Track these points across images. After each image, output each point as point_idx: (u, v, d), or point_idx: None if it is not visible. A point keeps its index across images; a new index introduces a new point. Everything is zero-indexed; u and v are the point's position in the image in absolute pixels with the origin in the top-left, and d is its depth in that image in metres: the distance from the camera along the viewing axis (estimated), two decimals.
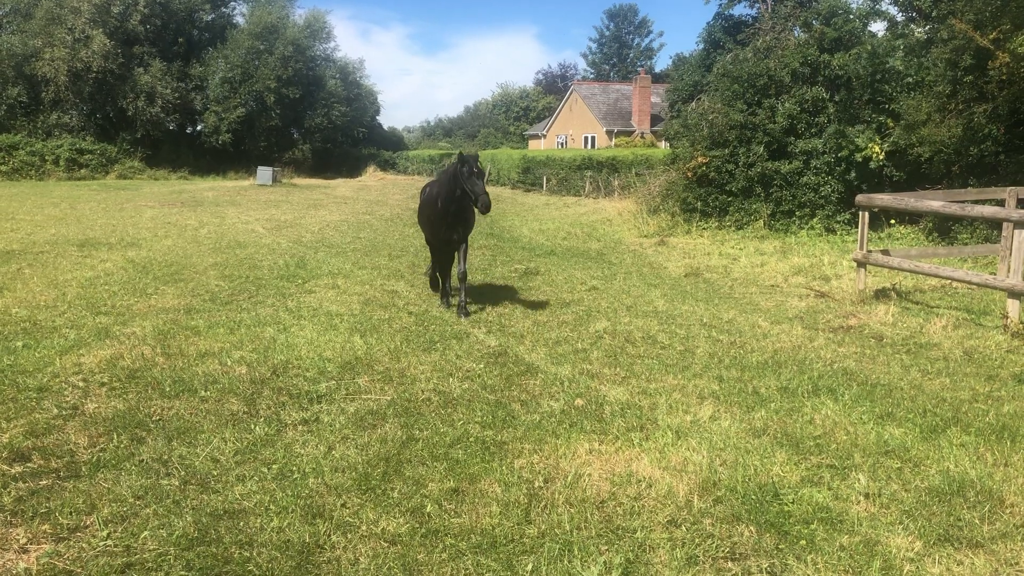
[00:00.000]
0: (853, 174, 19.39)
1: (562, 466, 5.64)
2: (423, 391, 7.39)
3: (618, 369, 8.16)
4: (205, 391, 7.18)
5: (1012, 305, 9.73)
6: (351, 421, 6.57)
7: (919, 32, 18.74)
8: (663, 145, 60.49)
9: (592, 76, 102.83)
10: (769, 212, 20.01)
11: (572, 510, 4.96)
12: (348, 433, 6.31)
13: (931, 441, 6.06)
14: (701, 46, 49.17)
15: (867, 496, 5.15)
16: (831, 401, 7.05)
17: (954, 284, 13.06)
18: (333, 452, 5.91)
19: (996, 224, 14.27)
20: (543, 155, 47.77)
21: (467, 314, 10.55)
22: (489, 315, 10.74)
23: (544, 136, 71.48)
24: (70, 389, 7.09)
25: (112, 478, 5.29)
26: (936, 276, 11.40)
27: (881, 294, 12.48)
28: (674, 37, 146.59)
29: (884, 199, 11.97)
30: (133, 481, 5.25)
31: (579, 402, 7.07)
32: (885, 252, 12.50)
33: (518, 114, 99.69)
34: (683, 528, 4.77)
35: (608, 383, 7.66)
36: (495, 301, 11.70)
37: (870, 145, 18.61)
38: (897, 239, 17.94)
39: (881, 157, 18.64)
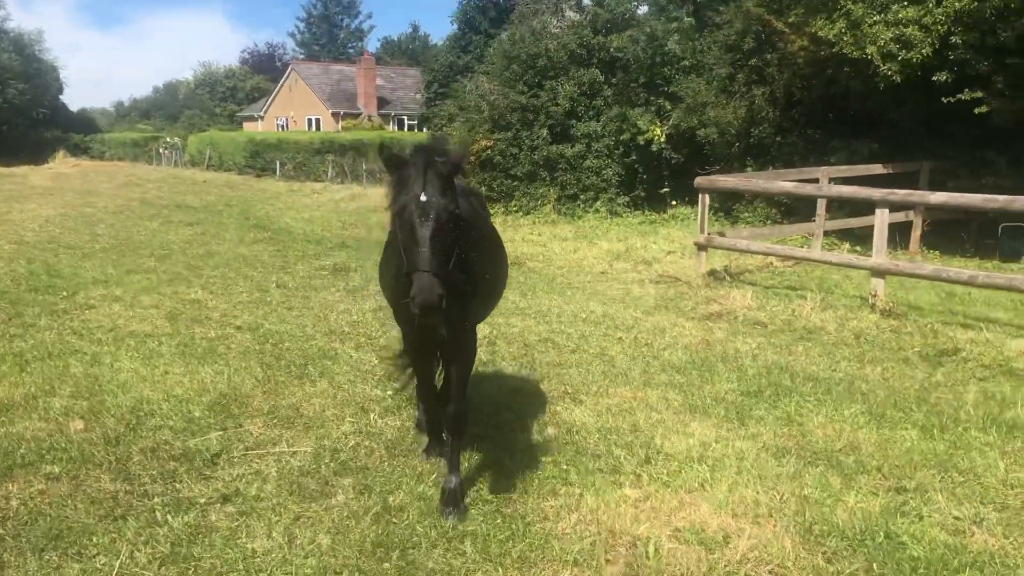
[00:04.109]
0: (634, 156, 19.57)
1: (613, 527, 4.43)
2: (345, 435, 5.79)
3: (553, 383, 7.03)
4: (49, 465, 5.08)
5: (878, 284, 9.84)
6: (286, 490, 4.88)
7: (687, 18, 19.21)
8: (392, 128, 59.38)
9: (302, 56, 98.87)
10: (555, 196, 19.67)
11: None
12: (296, 509, 4.64)
13: (960, 445, 5.59)
14: (455, 27, 48.23)
15: (977, 524, 4.49)
16: (809, 404, 6.43)
17: (772, 263, 13.31)
18: (301, 545, 4.24)
19: (811, 203, 14.84)
20: (274, 138, 44.63)
21: (456, 509, 4.65)
22: (340, 323, 9.10)
23: (262, 118, 67.27)
24: None
25: None
26: (798, 259, 11.42)
27: (715, 275, 12.37)
28: (382, 20, 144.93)
29: (728, 181, 11.84)
30: None
31: (551, 431, 5.87)
32: (721, 234, 12.40)
33: (224, 94, 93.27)
34: None
35: (559, 402, 6.50)
36: (327, 308, 10.01)
37: (651, 128, 18.82)
38: (694, 220, 18.28)
39: (662, 140, 18.92)
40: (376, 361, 7.61)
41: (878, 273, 9.86)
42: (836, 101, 16.17)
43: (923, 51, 12.30)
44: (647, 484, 4.97)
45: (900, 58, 12.55)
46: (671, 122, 18.76)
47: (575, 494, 4.84)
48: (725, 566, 4.04)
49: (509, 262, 14.61)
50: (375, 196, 26.64)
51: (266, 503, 4.72)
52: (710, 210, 18.43)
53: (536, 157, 19.77)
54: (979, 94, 12.47)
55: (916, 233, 13.94)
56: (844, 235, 14.91)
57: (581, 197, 19.80)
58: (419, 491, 4.89)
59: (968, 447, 5.53)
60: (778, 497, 4.78)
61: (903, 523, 4.45)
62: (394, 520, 4.54)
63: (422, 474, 5.13)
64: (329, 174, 36.19)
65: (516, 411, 6.26)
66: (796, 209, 17.05)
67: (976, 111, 12.53)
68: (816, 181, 13.15)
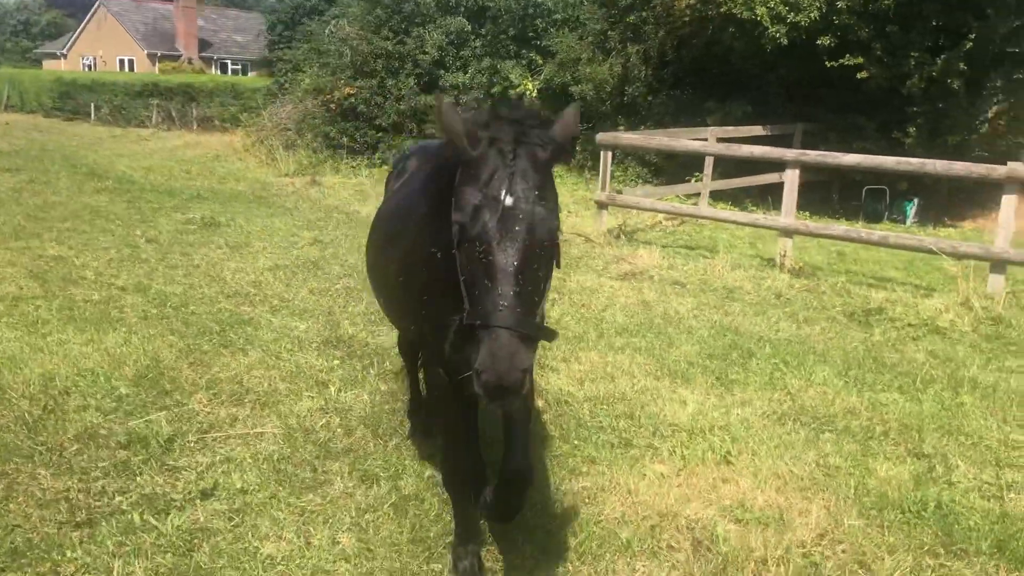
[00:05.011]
0: None
1: (661, 508, 4.05)
2: (310, 412, 5.09)
3: None
4: None
5: (787, 243, 9.95)
6: (273, 480, 4.19)
7: None
8: (215, 72, 55.52)
9: None
10: None
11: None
12: (296, 503, 3.98)
13: (946, 407, 5.59)
14: None
15: (1008, 488, 4.44)
16: (780, 367, 6.30)
17: (661, 222, 13.31)
18: (321, 546, 3.59)
19: (682, 164, 14.92)
20: (88, 78, 40.62)
21: None
22: (240, 283, 8.17)
23: (64, 56, 61.26)
24: None
25: None
26: (707, 218, 11.40)
27: (612, 234, 12.21)
28: None
29: (632, 138, 11.62)
30: None
31: (539, 402, 5.40)
32: (618, 192, 12.23)
33: (16, 28, 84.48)
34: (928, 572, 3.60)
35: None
36: (215, 266, 9.01)
37: (524, 81, 18.42)
38: (572, 176, 18.06)
39: (534, 94, 18.56)
40: (302, 327, 6.83)
41: (787, 233, 9.97)
42: (711, 62, 16.35)
43: (811, 15, 12.54)
44: (669, 458, 4.63)
45: (788, 20, 12.74)
46: (543, 77, 18.41)
47: (602, 472, 4.42)
48: (799, 547, 3.76)
49: None
50: (213, 143, 24.82)
51: (256, 497, 4.00)
52: (583, 169, 18.40)
53: (403, 107, 18.88)
54: (860, 60, 12.89)
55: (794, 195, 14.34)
56: (716, 196, 15.17)
57: None
58: (428, 476, 4.31)
59: (954, 408, 5.55)
60: (808, 468, 4.56)
61: (941, 491, 4.34)
62: (417, 512, 3.95)
63: (422, 456, 4.55)
64: (154, 119, 33.40)
65: None
66: (663, 169, 17.22)
67: (859, 76, 12.95)
68: (704, 140, 13.22)
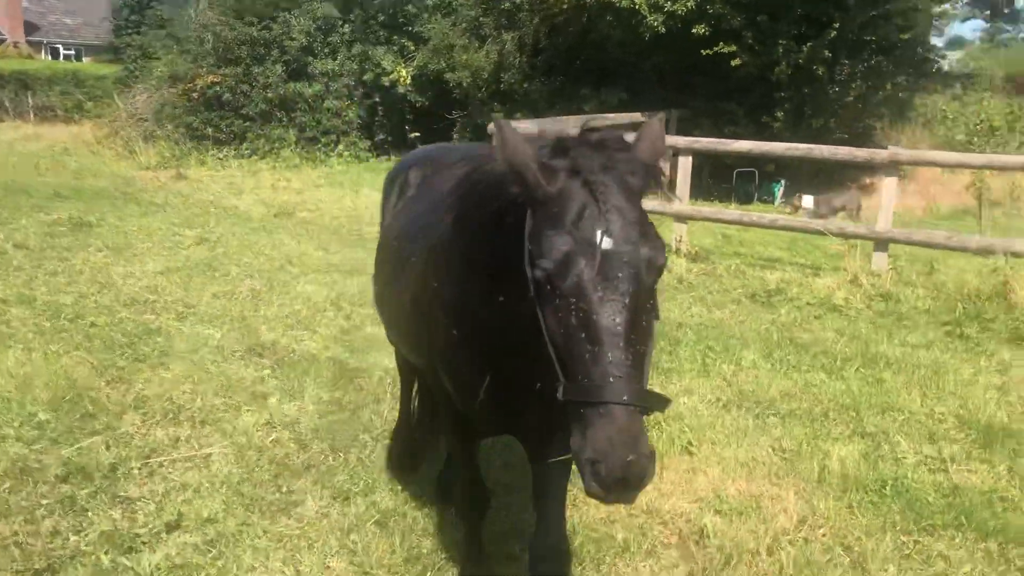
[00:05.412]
0: (377, 98, 18.79)
1: (636, 503, 4.09)
2: (255, 427, 4.84)
3: None
4: None
5: (682, 228, 10.25)
6: (239, 504, 3.96)
7: None
8: (44, 56, 51.63)
9: None
10: (295, 139, 18.35)
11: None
12: (272, 528, 3.78)
13: (869, 382, 5.90)
14: None
15: (951, 460, 4.72)
16: (707, 352, 6.47)
17: None
18: (312, 574, 3.42)
19: None
20: None
21: None
22: (135, 290, 7.66)
23: None
24: None
25: None
26: None
27: None
28: None
29: (526, 128, 11.60)
30: None
31: None
32: None
33: None
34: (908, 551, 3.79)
35: None
36: (100, 272, 8.43)
37: (397, 68, 18.13)
38: None
39: (407, 81, 18.31)
40: (217, 335, 6.47)
41: (682, 219, 10.25)
42: (586, 50, 16.58)
43: (687, 4, 12.92)
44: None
45: (666, 9, 13.08)
46: (416, 63, 18.16)
47: (573, 472, 4.40)
48: (784, 534, 3.87)
49: (275, 213, 13.52)
50: (58, 135, 23.14)
51: (227, 526, 3.75)
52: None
53: (271, 96, 18.20)
54: (733, 48, 13.40)
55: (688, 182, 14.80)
56: None
57: (322, 140, 18.64)
58: (403, 490, 4.17)
59: (877, 385, 5.86)
60: (766, 454, 4.71)
61: (893, 469, 4.58)
62: (403, 528, 3.82)
63: (390, 468, 4.39)
64: None
65: None
66: None
67: (732, 63, 13.46)
68: None
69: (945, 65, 21.61)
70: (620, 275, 1.98)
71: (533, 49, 17.35)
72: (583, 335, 1.97)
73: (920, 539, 3.89)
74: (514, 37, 17.00)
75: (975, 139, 14.45)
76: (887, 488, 4.32)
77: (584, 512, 4.01)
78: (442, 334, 2.74)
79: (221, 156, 18.15)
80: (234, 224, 11.80)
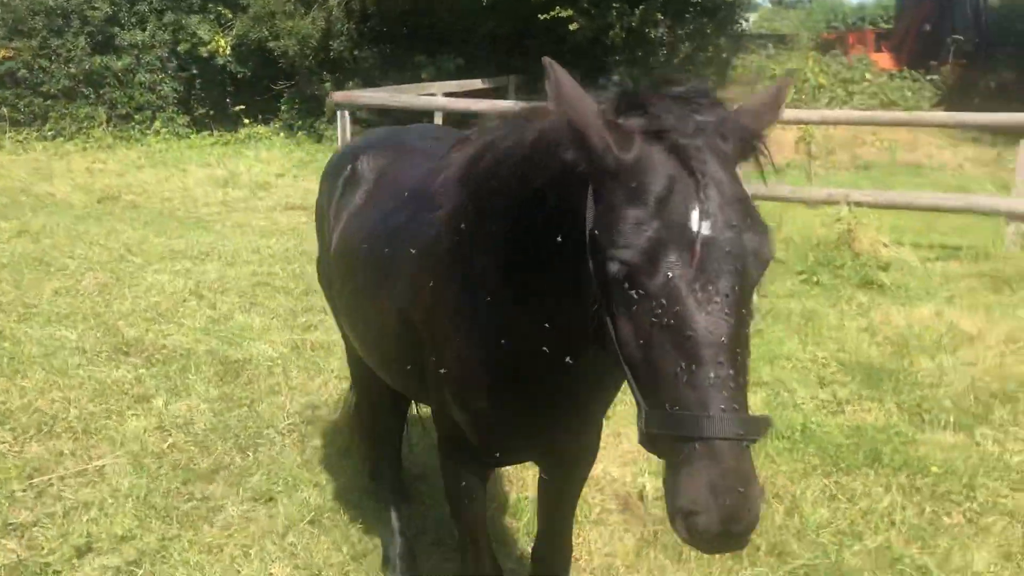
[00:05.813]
0: (194, 70, 17.67)
1: None
2: (146, 431, 4.42)
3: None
4: None
5: None
6: (153, 518, 3.59)
7: None
8: None
9: None
10: (106, 118, 16.94)
11: None
12: (197, 539, 3.46)
13: (755, 335, 6.10)
14: None
15: (841, 402, 4.98)
16: None
17: None
18: None
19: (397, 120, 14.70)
20: None
21: None
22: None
23: None
24: None
25: None
26: None
27: None
28: None
29: (371, 96, 11.24)
30: None
31: None
32: None
33: None
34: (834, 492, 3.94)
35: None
36: None
37: (215, 38, 17.08)
38: (273, 138, 17.06)
39: (227, 52, 17.30)
40: (73, 336, 5.85)
41: None
42: (416, 16, 16.24)
43: None
44: None
45: None
46: (235, 32, 17.15)
47: None
48: None
49: (98, 199, 12.45)
50: None
51: (146, 542, 3.40)
52: (279, 128, 17.55)
53: (75, 71, 16.66)
54: (569, 12, 13.50)
55: None
56: None
57: (136, 117, 17.28)
58: (328, 485, 3.91)
59: (756, 335, 6.09)
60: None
61: (794, 415, 4.77)
62: (338, 525, 3.58)
63: (307, 461, 4.12)
64: None
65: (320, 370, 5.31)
66: (378, 125, 16.96)
67: (570, 27, 13.56)
68: (432, 95, 13.15)
69: (744, 26, 22.68)
70: (723, 270, 1.53)
71: (362, 15, 16.79)
72: (674, 349, 1.52)
73: (841, 480, 4.07)
74: (341, 2, 16.37)
75: (802, 96, 15.32)
76: (797, 434, 4.49)
77: (520, 487, 3.91)
78: (452, 356, 2.26)
79: (21, 138, 16.49)
80: (54, 213, 10.73)
